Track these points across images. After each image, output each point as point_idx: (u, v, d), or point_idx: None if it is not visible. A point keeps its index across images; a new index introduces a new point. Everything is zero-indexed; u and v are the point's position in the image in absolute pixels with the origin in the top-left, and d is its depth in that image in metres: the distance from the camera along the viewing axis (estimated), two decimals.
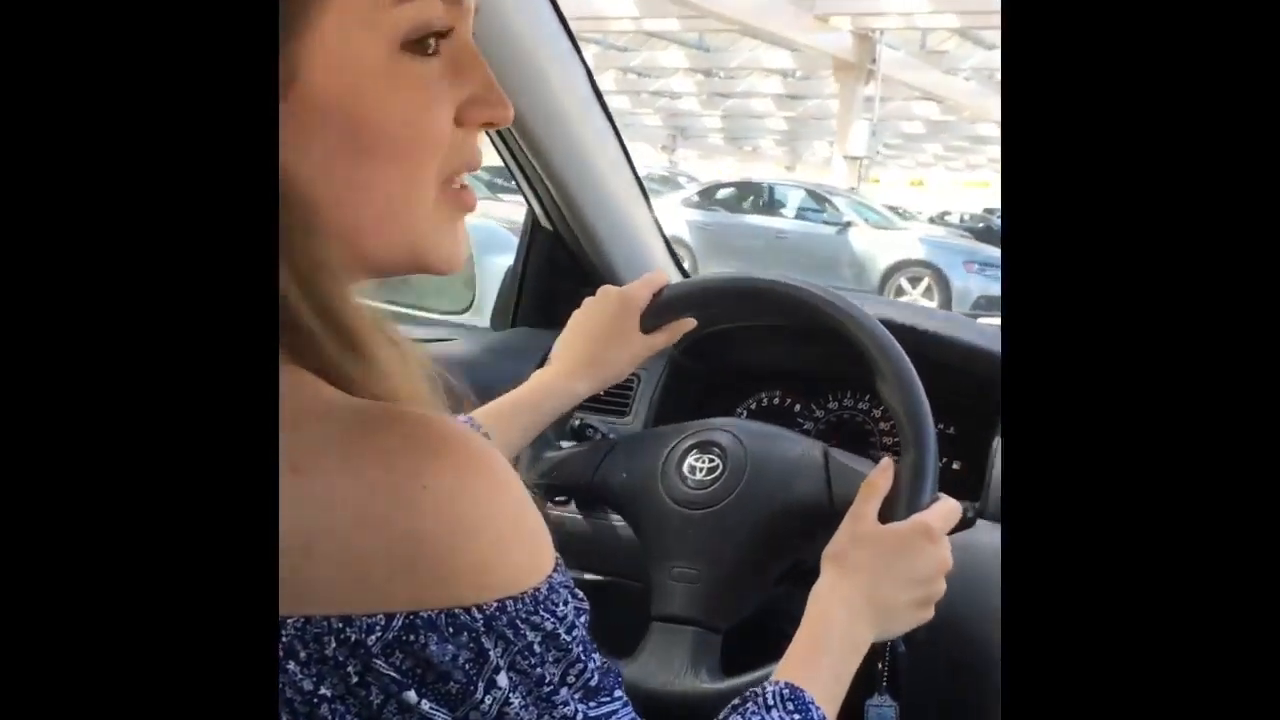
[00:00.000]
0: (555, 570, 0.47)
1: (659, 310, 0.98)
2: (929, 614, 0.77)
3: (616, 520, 1.07)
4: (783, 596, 0.93)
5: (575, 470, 1.00)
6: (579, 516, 1.12)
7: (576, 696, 0.46)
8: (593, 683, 0.47)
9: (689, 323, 0.99)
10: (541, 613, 0.45)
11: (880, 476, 0.80)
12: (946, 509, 0.80)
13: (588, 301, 0.99)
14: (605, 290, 0.99)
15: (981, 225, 20.35)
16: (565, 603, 0.46)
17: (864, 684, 0.93)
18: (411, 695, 0.42)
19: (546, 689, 0.45)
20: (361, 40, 0.46)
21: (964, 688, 0.99)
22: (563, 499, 1.12)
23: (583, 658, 0.47)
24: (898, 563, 0.75)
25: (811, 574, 0.79)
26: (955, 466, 1.14)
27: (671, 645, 0.89)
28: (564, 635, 0.46)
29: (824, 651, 0.71)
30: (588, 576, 1.07)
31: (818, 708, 0.64)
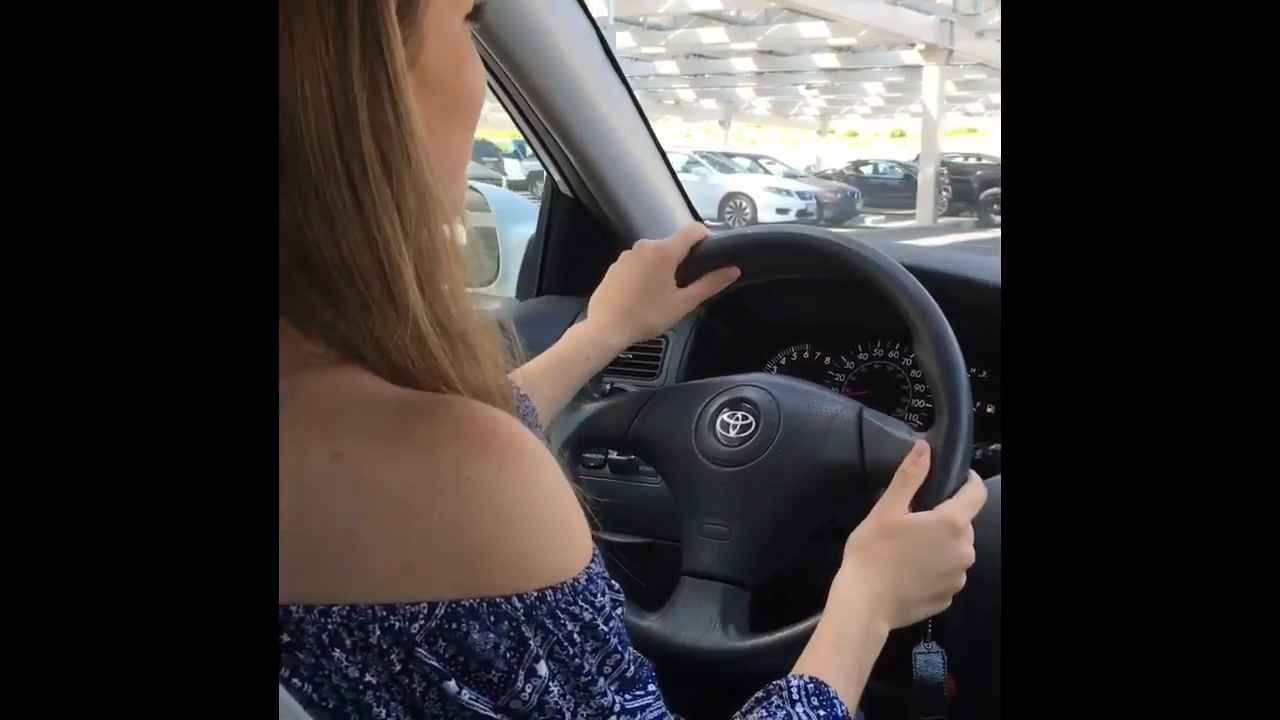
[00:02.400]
0: (593, 561, 0.47)
1: (696, 263, 0.97)
2: (945, 605, 0.77)
3: (650, 482, 1.08)
4: (813, 554, 0.92)
5: (611, 422, 1.00)
6: (613, 480, 1.12)
7: (613, 687, 0.47)
8: (629, 674, 0.48)
9: (728, 274, 0.99)
10: (580, 603, 0.45)
11: (914, 465, 0.79)
12: (972, 497, 0.79)
13: (625, 255, 0.99)
14: (642, 244, 0.98)
15: (850, 175, 19.42)
16: (602, 593, 0.47)
17: (911, 633, 0.93)
18: (452, 685, 0.43)
19: (584, 679, 0.45)
20: (454, 18, 0.50)
21: None
22: (596, 463, 1.12)
23: (619, 649, 0.47)
24: (921, 557, 0.75)
25: (842, 533, 0.79)
26: (989, 410, 1.14)
27: (700, 601, 0.90)
28: (601, 626, 0.46)
29: (847, 644, 0.71)
30: (623, 539, 1.08)
31: (841, 702, 0.64)
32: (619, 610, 0.48)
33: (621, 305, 0.96)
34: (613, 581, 0.49)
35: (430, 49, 0.48)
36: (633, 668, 0.48)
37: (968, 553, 0.76)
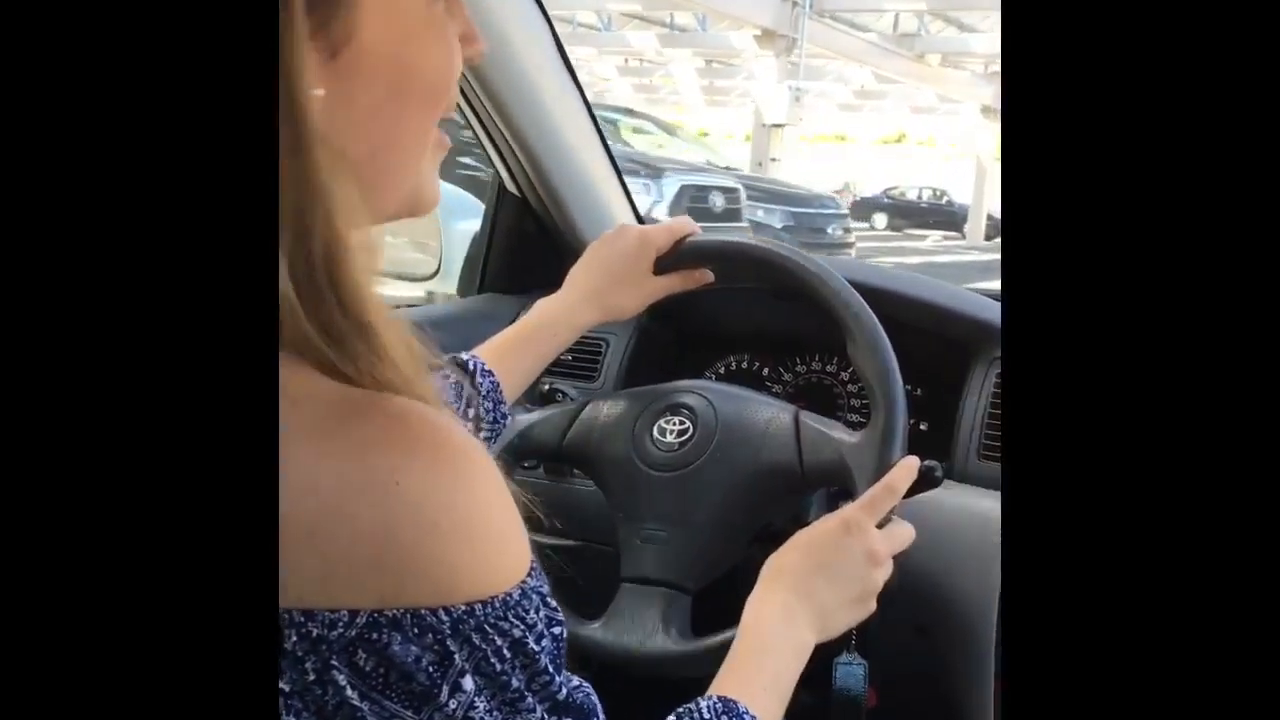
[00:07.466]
0: (529, 575, 0.45)
1: (680, 257, 0.98)
2: (869, 608, 0.78)
3: (583, 484, 1.07)
4: (754, 558, 0.93)
5: (545, 433, 1.00)
6: (546, 481, 1.12)
7: (544, 707, 0.45)
8: (560, 696, 0.46)
9: (703, 276, 1.00)
10: (511, 618, 0.43)
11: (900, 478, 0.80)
12: (900, 534, 0.80)
13: (606, 235, 1.01)
14: (625, 227, 1.00)
15: None
16: (536, 609, 0.45)
17: (833, 642, 0.94)
18: (354, 696, 0.41)
19: (512, 694, 0.44)
20: None
21: (932, 645, 1.00)
22: (531, 464, 1.12)
23: (549, 670, 0.45)
24: (824, 560, 0.75)
25: (782, 537, 0.80)
26: (923, 427, 1.15)
27: (642, 606, 0.89)
28: (531, 644, 0.44)
29: (759, 660, 0.70)
30: (555, 541, 1.07)
31: (753, 717, 0.64)
32: (556, 630, 0.46)
33: (595, 285, 0.98)
34: (551, 600, 0.46)
35: (370, 27, 0.46)
36: (565, 690, 0.46)
37: (872, 549, 0.76)
